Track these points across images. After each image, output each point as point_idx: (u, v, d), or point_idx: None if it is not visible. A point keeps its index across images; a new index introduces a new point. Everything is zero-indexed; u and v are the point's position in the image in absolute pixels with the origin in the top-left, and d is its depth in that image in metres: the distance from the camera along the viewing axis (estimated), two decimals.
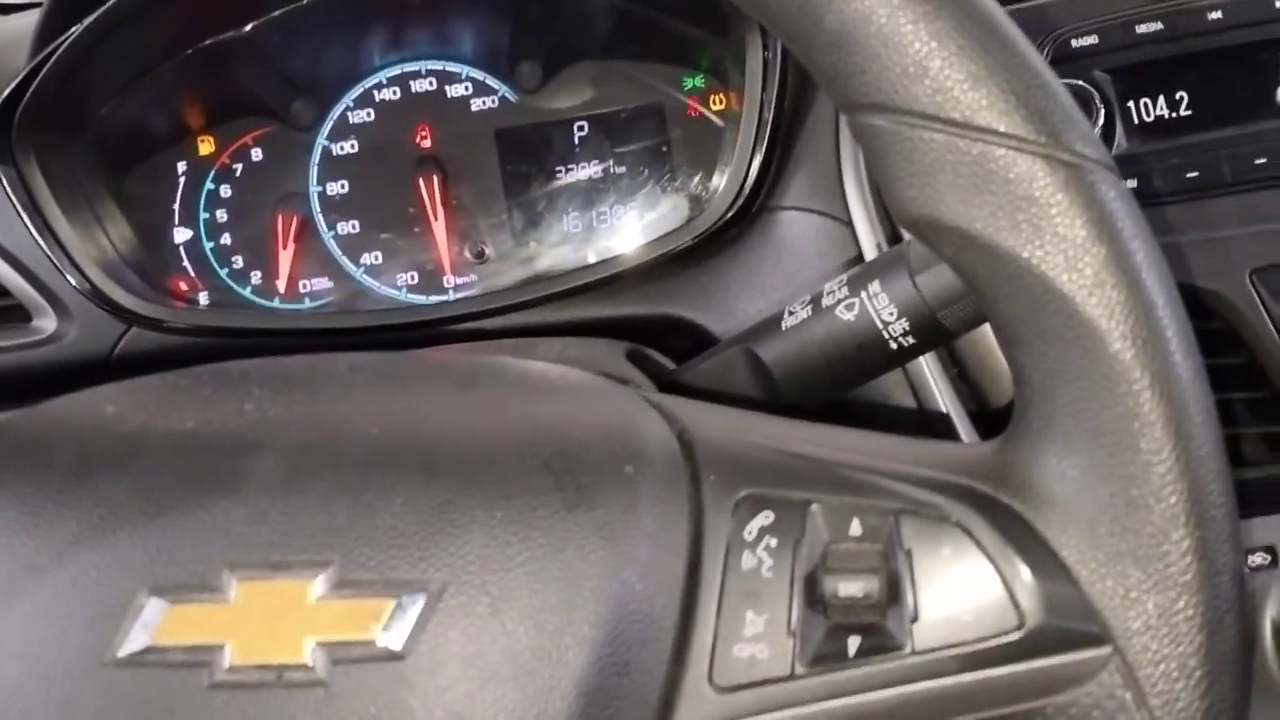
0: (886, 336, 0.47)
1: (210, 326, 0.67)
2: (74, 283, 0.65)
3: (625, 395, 0.42)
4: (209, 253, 0.71)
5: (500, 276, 0.70)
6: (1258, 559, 0.61)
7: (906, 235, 0.47)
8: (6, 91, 0.63)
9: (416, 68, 0.70)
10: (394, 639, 0.35)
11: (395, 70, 0.71)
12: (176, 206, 0.71)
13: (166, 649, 0.36)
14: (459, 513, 0.37)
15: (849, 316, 0.48)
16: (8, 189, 0.64)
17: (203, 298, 0.71)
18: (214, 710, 0.35)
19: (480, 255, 0.70)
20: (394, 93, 0.71)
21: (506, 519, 0.37)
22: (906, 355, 0.48)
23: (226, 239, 0.71)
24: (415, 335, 0.66)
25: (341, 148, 0.71)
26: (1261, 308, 0.58)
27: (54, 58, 0.63)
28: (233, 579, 0.36)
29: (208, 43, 0.68)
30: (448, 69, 0.70)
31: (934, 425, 0.60)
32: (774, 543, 0.37)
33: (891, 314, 0.47)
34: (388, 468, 0.38)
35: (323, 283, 0.71)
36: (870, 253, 0.62)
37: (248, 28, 0.68)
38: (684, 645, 0.37)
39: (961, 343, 0.61)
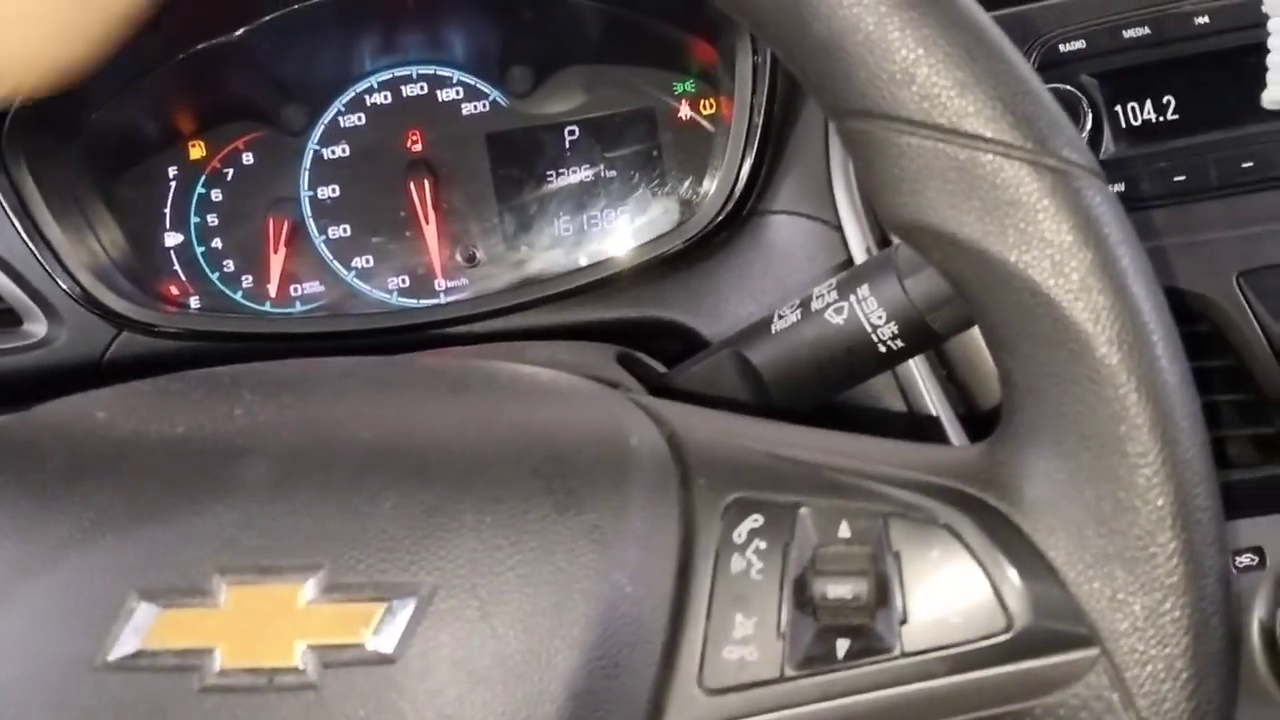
0: (875, 340, 0.48)
1: (201, 331, 0.67)
2: (65, 287, 0.65)
3: (615, 399, 0.42)
4: (200, 257, 0.71)
5: (491, 280, 0.70)
6: (1245, 560, 0.62)
7: (895, 239, 0.47)
8: None
9: (407, 72, 0.71)
10: (384, 642, 0.35)
11: (386, 75, 0.71)
12: (168, 211, 0.71)
13: (157, 653, 0.36)
14: (449, 517, 0.37)
15: (838, 320, 0.48)
16: None
17: (194, 302, 0.71)
18: (204, 714, 0.35)
19: (471, 259, 0.70)
20: (385, 97, 0.71)
21: (496, 523, 0.37)
22: (896, 358, 0.49)
23: (218, 243, 0.71)
24: (406, 339, 0.66)
25: (333, 152, 0.71)
26: (1249, 311, 0.58)
27: None
28: (223, 583, 0.36)
29: (199, 47, 0.68)
30: (439, 73, 0.70)
31: (923, 428, 0.60)
32: (763, 545, 0.37)
33: (880, 317, 0.47)
34: (378, 472, 0.38)
35: (314, 287, 0.71)
36: (860, 257, 0.62)
37: (239, 33, 0.68)
38: (674, 648, 0.37)
39: (951, 345, 0.61)
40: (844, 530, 0.37)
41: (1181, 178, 0.60)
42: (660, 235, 0.65)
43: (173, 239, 0.71)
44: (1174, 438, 0.34)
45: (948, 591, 0.36)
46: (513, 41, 0.70)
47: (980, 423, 0.61)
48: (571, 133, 0.70)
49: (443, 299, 0.70)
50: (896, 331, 0.47)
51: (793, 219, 0.65)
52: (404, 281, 0.71)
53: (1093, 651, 0.35)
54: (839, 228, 0.64)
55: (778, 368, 0.51)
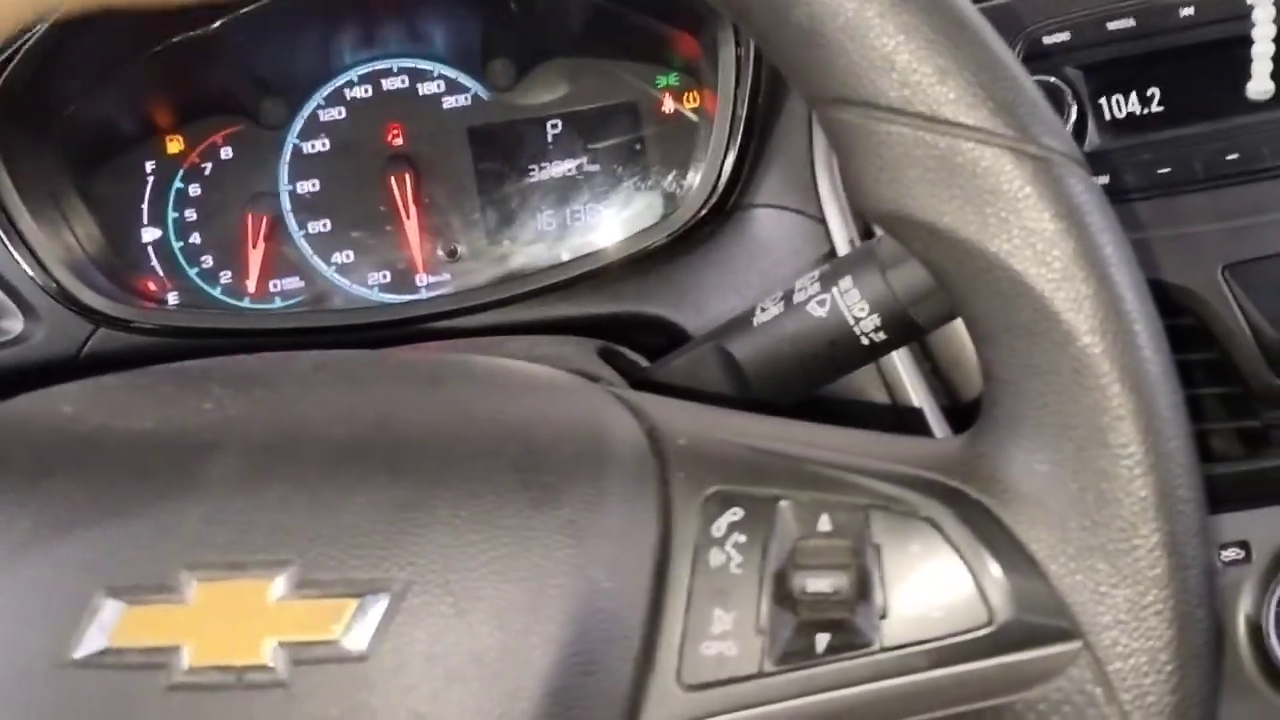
0: (858, 332, 0.47)
1: (179, 327, 0.66)
2: (41, 283, 0.64)
3: (594, 392, 0.42)
4: (178, 252, 0.70)
5: (473, 275, 0.70)
6: (1231, 554, 0.61)
7: (879, 231, 0.47)
8: None
9: (388, 65, 0.70)
10: (356, 639, 0.35)
11: (366, 68, 0.70)
12: (145, 206, 0.70)
13: (124, 650, 0.35)
14: (422, 511, 0.36)
15: (821, 313, 0.48)
16: None
17: (172, 298, 0.70)
18: (173, 712, 0.35)
19: (453, 254, 0.70)
20: (365, 91, 0.70)
21: (471, 518, 0.36)
22: (878, 351, 0.48)
23: (196, 238, 0.70)
24: (387, 335, 0.66)
25: (312, 146, 0.70)
26: (1233, 303, 0.58)
27: (18, 56, 0.62)
28: (191, 579, 0.35)
29: (176, 40, 0.67)
30: (419, 67, 0.70)
31: (907, 420, 0.60)
32: (743, 539, 0.37)
33: (863, 310, 0.47)
34: (350, 466, 0.37)
35: (293, 282, 0.70)
36: (843, 249, 0.62)
37: (215, 25, 0.67)
38: (652, 644, 0.36)
39: (935, 337, 0.61)
40: (824, 523, 0.37)
41: (1166, 170, 0.60)
42: (643, 229, 0.64)
43: (150, 234, 0.70)
44: (1156, 428, 0.34)
45: (929, 585, 0.36)
46: (494, 34, 0.70)
47: (964, 415, 0.61)
48: (554, 126, 0.70)
49: (424, 294, 0.69)
50: (879, 324, 0.47)
51: (776, 212, 0.65)
52: (385, 277, 0.70)
53: (1075, 645, 0.34)
54: (823, 221, 0.63)
55: (760, 361, 0.50)
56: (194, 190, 0.70)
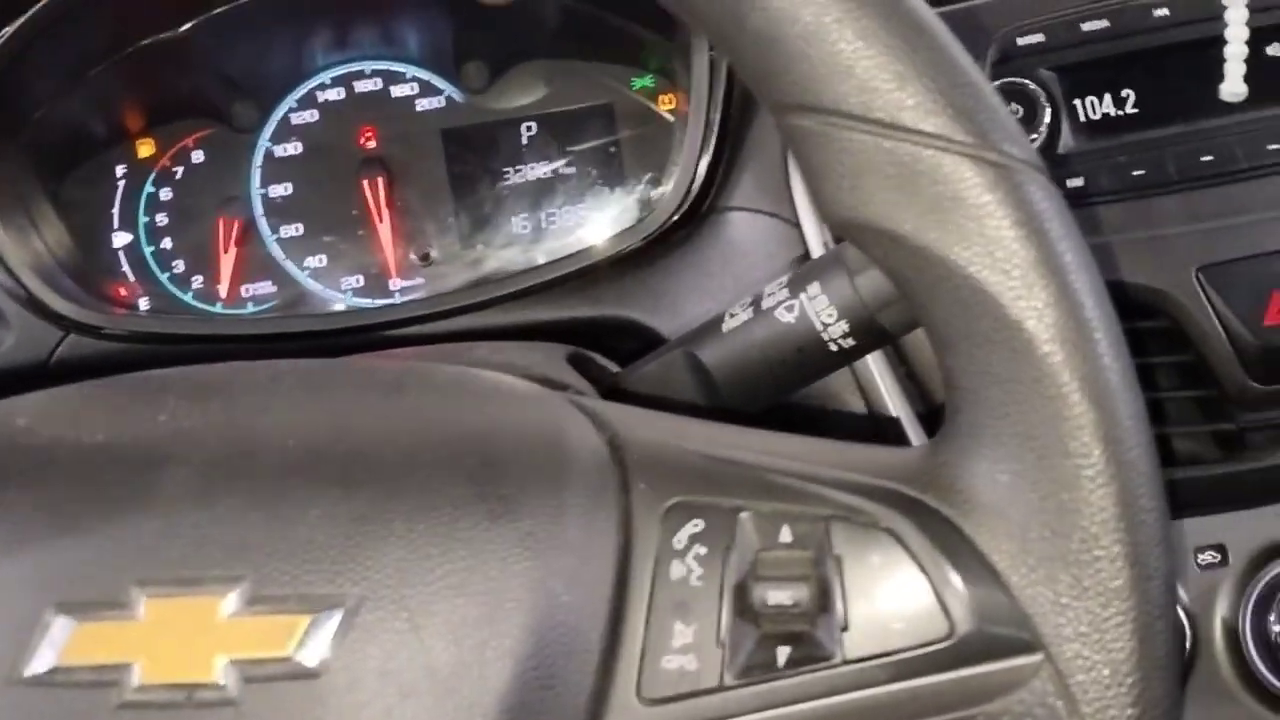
0: (826, 338, 0.47)
1: (150, 333, 0.65)
2: (9, 289, 0.64)
3: (555, 401, 0.41)
4: (149, 257, 0.69)
5: (447, 279, 0.69)
6: (1207, 557, 0.61)
7: None
8: None
9: (360, 68, 0.69)
10: (309, 656, 0.34)
11: (339, 70, 0.69)
12: (115, 210, 0.69)
13: (73, 669, 0.35)
14: (377, 525, 0.36)
15: (789, 318, 0.47)
16: None
17: (143, 303, 0.69)
18: None
19: (426, 258, 0.69)
20: (338, 93, 0.70)
21: (427, 531, 0.36)
22: (847, 357, 0.48)
23: (167, 243, 0.70)
24: (360, 340, 0.65)
25: (284, 149, 0.69)
26: (1208, 305, 0.58)
27: None
28: (141, 596, 0.35)
29: (145, 42, 0.67)
30: (392, 69, 0.69)
31: (881, 426, 0.60)
32: (703, 551, 0.37)
33: (831, 315, 0.46)
34: (304, 479, 0.37)
35: (266, 287, 0.70)
36: (817, 252, 0.62)
37: (185, 27, 0.66)
38: (611, 657, 0.36)
39: (909, 343, 0.61)
40: (785, 535, 0.36)
41: (1140, 172, 0.59)
42: (618, 233, 0.64)
43: (121, 239, 0.69)
44: (1117, 437, 0.33)
45: (889, 597, 0.35)
46: (468, 36, 0.69)
47: (939, 420, 0.61)
48: (529, 129, 0.69)
49: (398, 299, 0.69)
50: (847, 330, 0.46)
51: (751, 215, 0.64)
52: (358, 281, 0.70)
53: (1036, 657, 0.34)
54: (797, 224, 0.63)
55: (729, 367, 0.50)
56: (165, 194, 0.70)
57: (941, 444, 0.37)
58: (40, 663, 0.35)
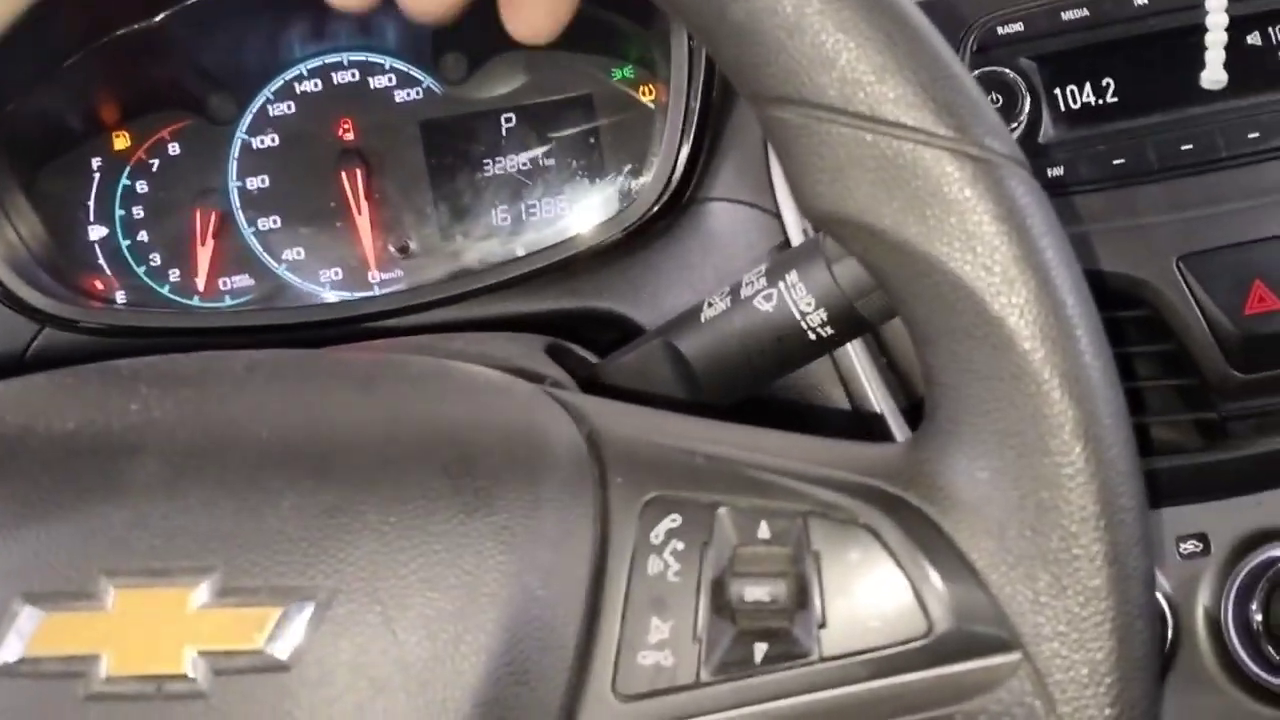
0: (805, 327, 0.47)
1: (126, 326, 0.65)
2: None
3: (532, 394, 0.41)
4: (125, 250, 0.69)
5: (426, 271, 0.69)
6: (1189, 546, 0.61)
7: None
8: None
9: (338, 59, 0.69)
10: (279, 648, 0.34)
11: (316, 61, 0.69)
12: (91, 203, 0.69)
13: (41, 659, 0.34)
14: (350, 517, 0.35)
15: (767, 307, 0.47)
16: None
17: (119, 297, 0.69)
18: None
19: (405, 250, 0.69)
20: (315, 85, 0.69)
21: (401, 524, 0.35)
22: (826, 346, 0.47)
23: (143, 236, 0.69)
24: (339, 332, 0.65)
25: (262, 141, 0.69)
26: (1189, 294, 0.58)
27: None
28: (110, 586, 0.35)
29: (120, 33, 0.66)
30: (370, 60, 0.69)
31: (862, 419, 0.60)
32: (680, 546, 0.36)
33: (809, 304, 0.46)
34: (276, 470, 0.36)
35: (243, 280, 0.69)
36: (797, 243, 0.61)
37: (159, 18, 0.66)
38: (587, 653, 0.36)
39: (890, 334, 0.60)
40: (763, 530, 0.36)
41: (1121, 160, 0.59)
42: (599, 224, 0.64)
43: (97, 232, 0.69)
44: (1097, 436, 0.33)
45: (867, 594, 0.35)
46: (445, 27, 0.68)
47: (921, 412, 0.61)
48: (508, 120, 0.69)
49: (376, 291, 0.68)
50: (826, 318, 0.46)
51: (732, 206, 0.64)
52: (337, 274, 0.69)
53: (1014, 656, 0.34)
54: (778, 214, 0.63)
55: (708, 357, 0.49)
56: (141, 187, 0.69)
57: (921, 440, 0.36)
58: (7, 653, 0.34)
